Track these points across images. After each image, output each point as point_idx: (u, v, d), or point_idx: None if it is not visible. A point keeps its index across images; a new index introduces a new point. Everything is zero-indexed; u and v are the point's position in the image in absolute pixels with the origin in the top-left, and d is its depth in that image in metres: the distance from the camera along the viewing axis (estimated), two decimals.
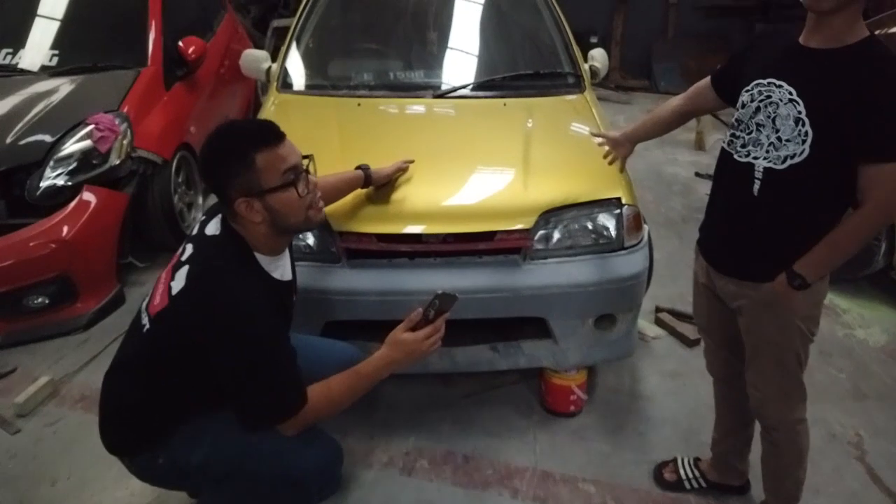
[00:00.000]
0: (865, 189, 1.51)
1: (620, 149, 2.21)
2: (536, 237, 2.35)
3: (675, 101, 2.03)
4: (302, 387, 1.59)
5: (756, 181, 1.62)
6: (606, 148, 2.26)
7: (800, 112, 1.54)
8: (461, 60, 3.42)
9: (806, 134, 1.53)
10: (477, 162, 2.58)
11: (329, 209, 2.21)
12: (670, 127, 2.10)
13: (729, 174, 1.72)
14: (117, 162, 3.13)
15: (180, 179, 3.68)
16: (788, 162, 1.56)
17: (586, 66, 3.35)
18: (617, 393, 2.71)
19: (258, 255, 1.63)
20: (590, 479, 2.28)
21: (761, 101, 1.62)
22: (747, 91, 1.66)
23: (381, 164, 2.35)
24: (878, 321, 3.22)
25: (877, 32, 3.15)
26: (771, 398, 1.84)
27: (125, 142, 3.20)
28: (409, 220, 2.31)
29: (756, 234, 1.68)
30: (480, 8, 3.67)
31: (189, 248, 1.64)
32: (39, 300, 2.91)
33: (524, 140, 2.66)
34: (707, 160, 5.45)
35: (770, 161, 1.59)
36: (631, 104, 7.21)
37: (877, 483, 2.26)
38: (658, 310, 3.19)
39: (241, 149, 1.53)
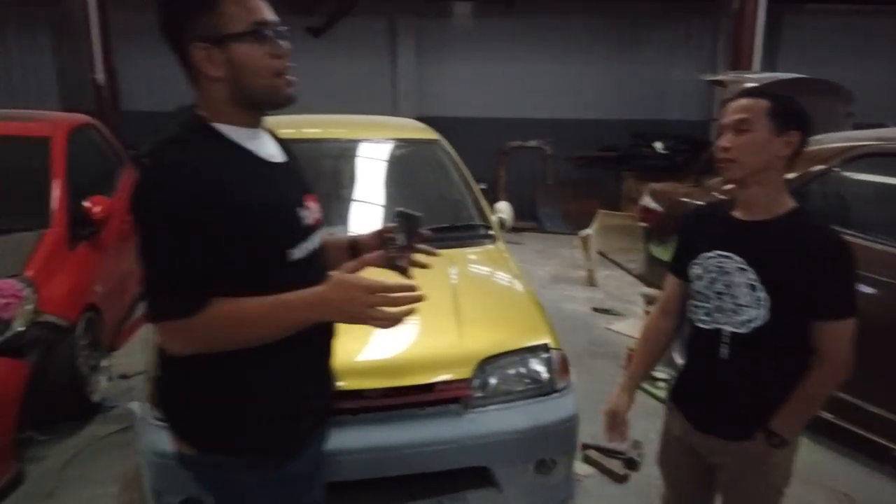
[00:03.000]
0: (822, 345, 1.66)
1: (623, 406, 1.96)
2: (474, 385, 2.42)
3: (657, 323, 2.00)
4: (207, 284, 1.28)
5: (724, 346, 1.73)
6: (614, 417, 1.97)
7: (752, 279, 1.68)
8: (372, 215, 3.57)
9: (762, 300, 1.67)
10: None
11: None
12: (666, 349, 2.04)
13: (698, 340, 1.82)
14: (21, 329, 2.95)
15: (85, 342, 3.49)
16: (751, 326, 1.69)
17: (495, 218, 3.61)
18: None
19: (219, 125, 1.37)
20: None
21: (714, 271, 1.75)
22: (697, 263, 1.80)
23: None
24: None
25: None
26: None
27: (29, 307, 3.03)
28: (352, 376, 2.31)
29: (731, 395, 1.77)
30: (389, 166, 3.90)
31: None
32: None
33: (451, 291, 2.79)
34: (600, 295, 5.85)
35: (734, 326, 1.71)
36: (522, 244, 7.68)
37: None
38: (585, 447, 3.28)
39: None
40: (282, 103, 1.40)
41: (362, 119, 4.43)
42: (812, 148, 3.56)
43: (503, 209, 3.74)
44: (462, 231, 3.41)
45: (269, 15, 1.35)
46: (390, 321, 1.30)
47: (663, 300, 2.00)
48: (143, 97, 8.62)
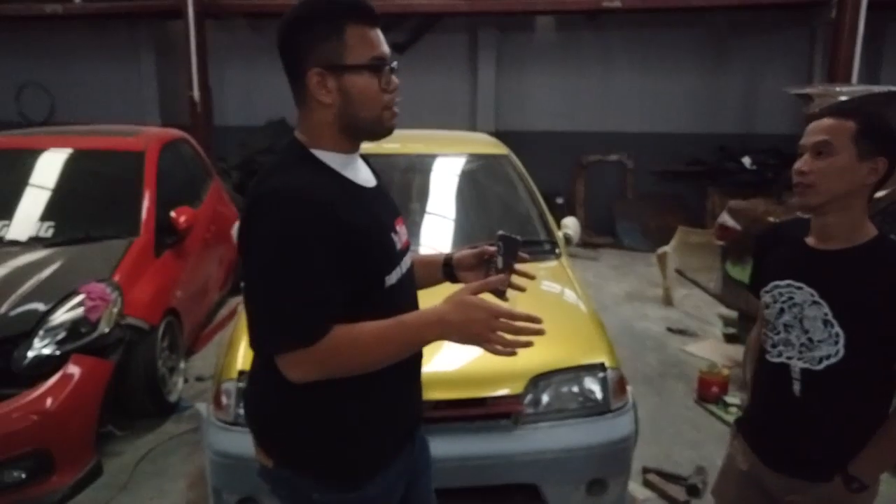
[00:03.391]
0: None
1: None
2: (526, 401, 2.41)
3: (755, 341, 1.91)
4: (331, 310, 1.28)
5: (795, 382, 1.62)
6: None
7: (826, 314, 1.55)
8: (440, 228, 3.62)
9: (837, 335, 1.54)
10: None
11: None
12: None
13: (765, 372, 1.73)
14: (106, 330, 3.15)
15: (165, 345, 3.70)
16: (825, 363, 1.56)
17: (560, 234, 3.57)
18: None
19: (318, 151, 1.38)
20: None
21: (783, 302, 1.64)
22: (767, 292, 1.69)
23: None
24: None
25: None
26: None
27: (115, 310, 3.24)
28: None
29: (805, 435, 1.65)
30: (457, 180, 3.94)
31: None
32: (16, 474, 2.80)
33: (509, 306, 2.78)
34: (676, 315, 5.66)
35: (806, 362, 1.59)
36: (598, 260, 7.54)
37: None
38: (645, 470, 3.18)
39: (333, 14, 1.33)
40: (383, 134, 1.42)
41: (432, 133, 4.50)
42: None
43: (570, 225, 3.70)
44: (524, 246, 3.38)
45: (386, 49, 1.38)
46: (509, 348, 1.30)
47: (759, 322, 1.87)
48: (234, 113, 9.07)
